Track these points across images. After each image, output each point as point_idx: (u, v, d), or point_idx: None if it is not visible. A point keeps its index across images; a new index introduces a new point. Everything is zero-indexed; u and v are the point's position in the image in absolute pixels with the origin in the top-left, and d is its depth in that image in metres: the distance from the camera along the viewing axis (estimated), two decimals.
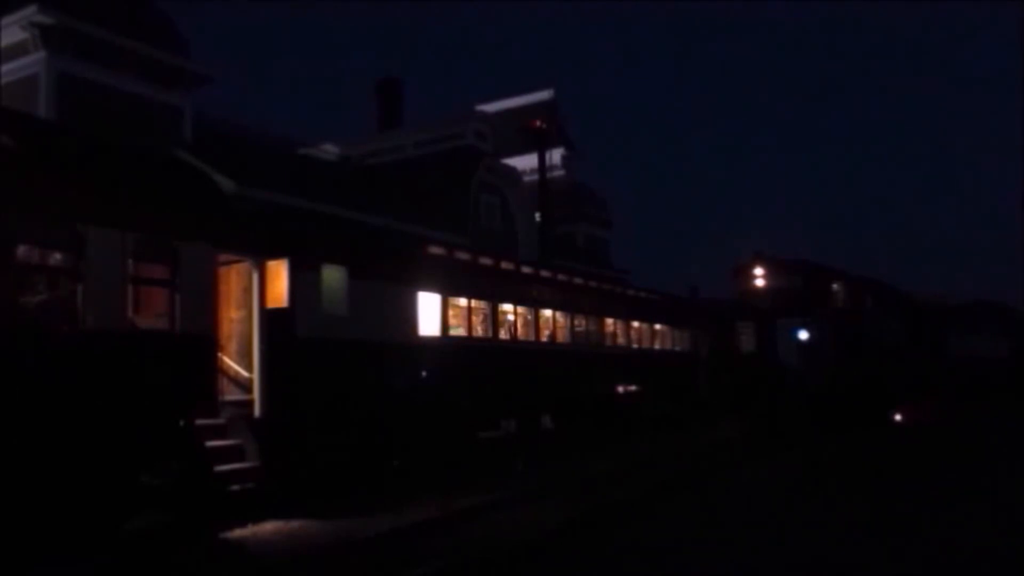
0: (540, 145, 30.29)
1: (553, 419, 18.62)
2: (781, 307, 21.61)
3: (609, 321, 21.34)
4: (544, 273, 18.98)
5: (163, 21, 22.70)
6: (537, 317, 17.83)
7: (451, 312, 14.94)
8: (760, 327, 21.98)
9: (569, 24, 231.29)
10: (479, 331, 15.88)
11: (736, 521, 10.12)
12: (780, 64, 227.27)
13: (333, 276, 11.81)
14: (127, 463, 8.81)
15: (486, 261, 16.83)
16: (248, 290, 11.09)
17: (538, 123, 30.78)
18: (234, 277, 11.27)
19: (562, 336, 18.91)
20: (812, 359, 21.39)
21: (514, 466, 14.91)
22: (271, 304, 10.89)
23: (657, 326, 24.36)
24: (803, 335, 21.41)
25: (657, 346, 24.41)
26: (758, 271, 22.56)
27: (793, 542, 8.92)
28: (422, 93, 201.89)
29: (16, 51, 19.24)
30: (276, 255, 10.95)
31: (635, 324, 22.87)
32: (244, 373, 11.00)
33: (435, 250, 15.04)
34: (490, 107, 40.06)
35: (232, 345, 11.26)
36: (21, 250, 8.28)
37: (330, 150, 32.90)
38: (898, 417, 22.83)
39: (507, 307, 16.88)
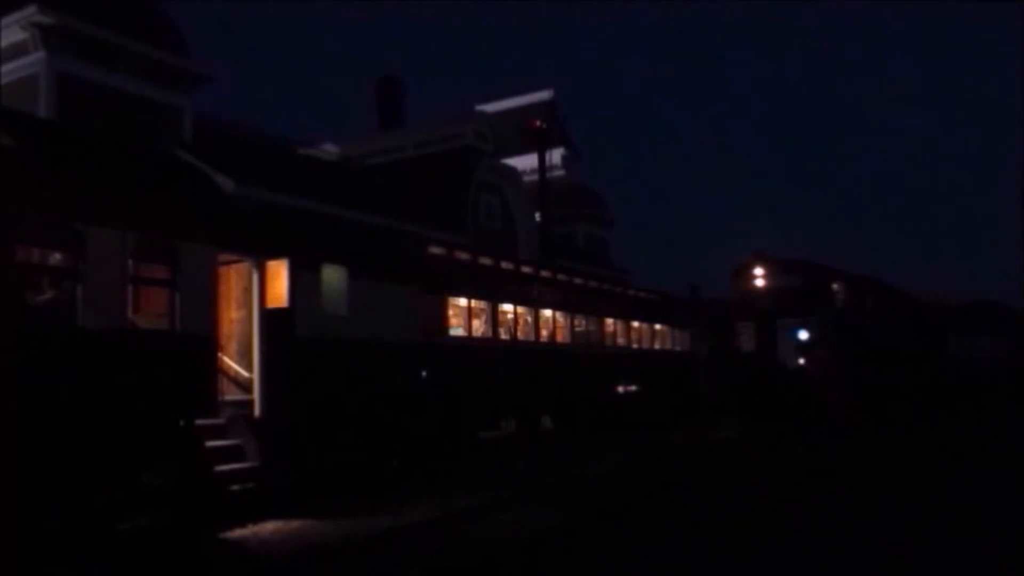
0: (540, 145, 30.29)
1: (553, 419, 18.63)
2: (781, 307, 21.59)
3: (609, 321, 21.35)
4: (544, 273, 18.98)
5: (163, 21, 22.69)
6: (537, 317, 17.83)
7: (451, 312, 14.95)
8: (760, 327, 21.96)
9: (569, 24, 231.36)
10: (479, 331, 15.88)
11: (736, 523, 10.11)
12: (780, 65, 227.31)
13: (333, 276, 11.81)
14: (127, 463, 8.81)
15: (486, 261, 16.84)
16: (248, 290, 11.09)
17: (538, 123, 30.79)
18: (234, 277, 11.27)
19: (562, 336, 18.91)
20: (812, 359, 21.37)
21: (514, 466, 14.91)
22: (271, 304, 10.89)
23: (657, 326, 24.37)
24: (803, 335, 21.40)
25: (657, 346, 24.43)
26: (758, 271, 22.52)
27: (793, 548, 8.90)
28: (422, 93, 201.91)
29: (16, 51, 19.25)
30: (276, 255, 10.95)
31: (635, 324, 22.88)
32: (244, 373, 11.00)
33: (435, 250, 15.05)
34: (490, 107, 40.05)
35: (232, 345, 11.26)
36: (21, 250, 8.28)
37: (330, 150, 32.87)
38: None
39: (507, 307, 16.88)
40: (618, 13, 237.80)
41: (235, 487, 9.95)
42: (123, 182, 9.41)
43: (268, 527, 9.73)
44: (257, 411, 10.68)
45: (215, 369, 10.29)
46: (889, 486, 12.68)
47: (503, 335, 16.67)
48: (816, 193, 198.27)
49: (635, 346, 22.86)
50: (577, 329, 19.54)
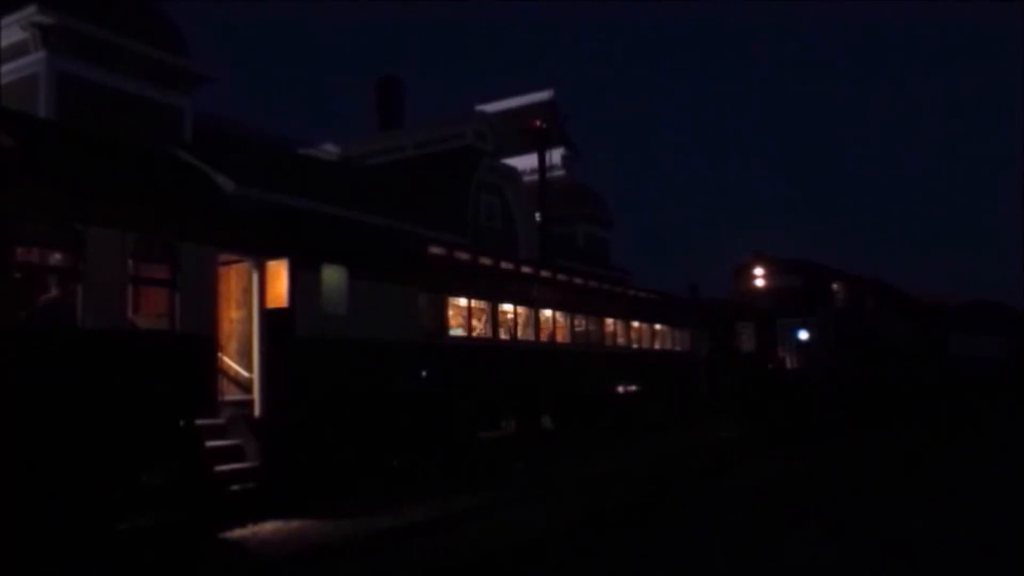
0: (540, 145, 30.28)
1: (553, 419, 18.62)
2: (781, 307, 21.60)
3: (609, 321, 21.34)
4: (544, 273, 18.97)
5: (163, 21, 22.70)
6: (537, 317, 17.82)
7: (451, 312, 14.95)
8: (760, 327, 21.97)
9: (569, 24, 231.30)
10: (479, 331, 15.88)
11: (735, 524, 10.12)
12: (781, 65, 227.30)
13: (333, 276, 11.81)
14: (128, 463, 8.81)
15: (486, 261, 16.83)
16: (248, 290, 11.09)
17: (538, 123, 30.76)
18: (234, 277, 11.27)
19: (562, 336, 18.90)
20: (812, 359, 21.40)
21: (514, 466, 14.91)
22: (271, 304, 10.89)
23: (657, 326, 24.36)
24: (803, 335, 21.42)
25: (657, 346, 24.41)
26: (758, 271, 22.54)
27: (793, 548, 8.90)
28: (422, 93, 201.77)
29: (16, 51, 19.26)
30: (276, 255, 10.95)
31: (635, 324, 22.87)
32: (244, 373, 11.00)
33: (435, 250, 15.04)
34: (490, 107, 40.04)
35: (232, 345, 11.26)
36: (21, 250, 8.28)
37: (330, 150, 32.86)
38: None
39: (507, 307, 16.88)
40: (618, 13, 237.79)
41: (235, 487, 9.95)
42: (123, 182, 9.41)
43: (268, 527, 9.73)
44: (257, 411, 10.68)
45: (215, 369, 10.29)
46: (889, 486, 12.69)
47: (503, 335, 16.66)
48: (817, 193, 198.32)
49: (635, 346, 22.85)
50: (577, 329, 19.53)
